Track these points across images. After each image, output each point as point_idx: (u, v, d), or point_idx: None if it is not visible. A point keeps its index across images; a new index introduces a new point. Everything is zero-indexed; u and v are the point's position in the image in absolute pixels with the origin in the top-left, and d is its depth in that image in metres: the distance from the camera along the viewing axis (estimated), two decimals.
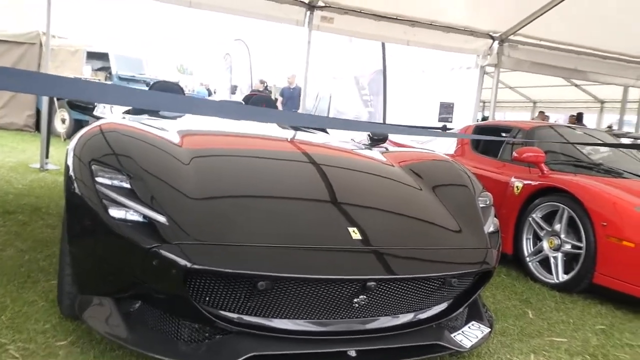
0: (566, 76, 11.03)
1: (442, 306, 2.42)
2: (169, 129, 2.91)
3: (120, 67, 10.67)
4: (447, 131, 6.81)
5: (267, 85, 13.54)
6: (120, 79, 10.41)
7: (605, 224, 3.42)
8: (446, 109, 9.78)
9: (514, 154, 4.26)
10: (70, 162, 2.27)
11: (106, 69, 10.75)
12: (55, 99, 9.14)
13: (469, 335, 2.41)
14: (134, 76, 10.72)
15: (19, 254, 3.23)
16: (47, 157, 6.56)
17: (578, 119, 13.98)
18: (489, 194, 2.86)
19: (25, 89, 1.34)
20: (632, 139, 9.73)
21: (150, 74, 11.21)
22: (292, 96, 11.77)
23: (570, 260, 3.70)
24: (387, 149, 3.75)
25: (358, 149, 3.64)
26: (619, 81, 9.77)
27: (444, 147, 5.35)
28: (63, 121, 10.23)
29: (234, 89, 17.08)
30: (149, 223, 2.03)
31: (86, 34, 12.15)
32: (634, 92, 10.26)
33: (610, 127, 13.57)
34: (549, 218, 3.87)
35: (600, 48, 8.80)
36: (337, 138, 4.04)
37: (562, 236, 3.72)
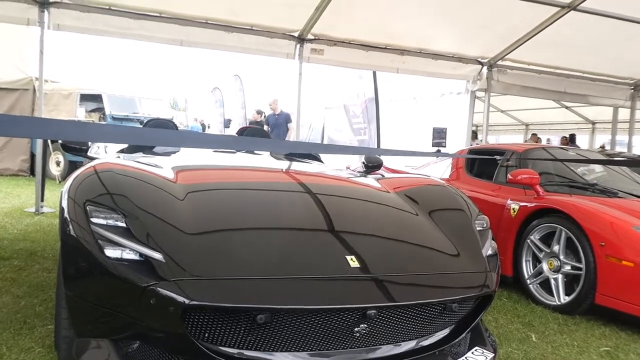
0: (556, 98, 11.18)
1: (444, 332, 2.40)
2: (163, 166, 2.91)
3: (113, 108, 10.74)
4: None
5: (264, 115, 13.21)
6: (114, 118, 10.48)
7: (603, 244, 3.41)
8: (439, 134, 9.86)
9: (509, 176, 4.28)
10: (65, 204, 2.27)
11: (100, 110, 10.82)
12: (49, 143, 9.18)
13: None
14: (127, 115, 10.78)
15: (15, 300, 3.19)
16: (42, 200, 6.54)
17: (571, 139, 14.10)
18: (485, 217, 2.86)
19: (22, 133, 1.36)
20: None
21: (144, 113, 11.28)
22: (277, 123, 11.22)
23: (571, 281, 3.68)
24: (382, 175, 3.76)
25: (353, 176, 3.66)
26: (609, 102, 9.91)
27: (439, 171, 5.37)
28: (58, 164, 10.25)
29: (227, 123, 17.20)
30: (146, 261, 2.02)
31: (79, 76, 12.24)
32: (624, 113, 10.38)
33: (602, 147, 13.69)
34: (547, 239, 3.87)
35: (588, 70, 8.96)
36: (332, 167, 4.06)
37: (561, 257, 3.71)
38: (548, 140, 16.48)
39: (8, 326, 2.76)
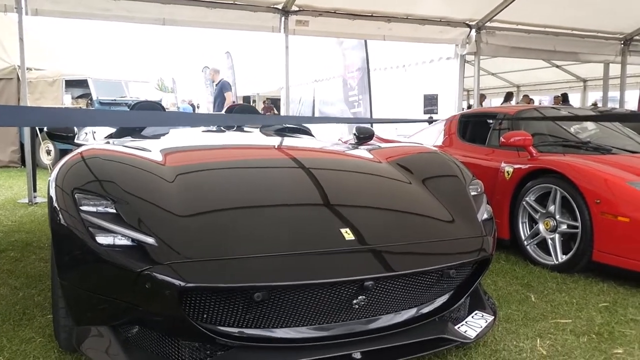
0: (546, 58, 11.10)
1: (443, 299, 2.40)
2: (151, 149, 2.87)
3: (100, 92, 10.60)
4: (433, 122, 6.81)
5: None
6: (102, 104, 10.35)
7: (598, 201, 3.41)
8: (430, 101, 9.79)
9: (502, 139, 4.25)
10: (53, 193, 2.24)
11: (87, 96, 10.68)
12: (38, 132, 9.08)
13: (473, 325, 2.39)
14: (115, 100, 10.66)
15: (13, 291, 3.18)
16: (35, 190, 6.49)
17: (563, 99, 14.04)
18: (479, 181, 2.85)
19: (9, 122, 1.32)
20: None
21: (132, 96, 11.14)
22: (217, 93, 10.19)
23: (567, 240, 3.69)
24: (374, 145, 3.73)
25: (345, 149, 3.62)
26: (599, 58, 9.84)
27: (431, 139, 5.34)
28: (48, 152, 10.15)
29: None
30: (138, 246, 2.00)
31: (64, 63, 12.02)
32: (615, 69, 10.31)
33: (595, 104, 13.64)
34: (543, 200, 3.87)
35: (577, 27, 8.85)
36: (323, 140, 4.03)
37: (557, 217, 3.71)
38: (540, 102, 16.41)
39: (7, 318, 2.75)
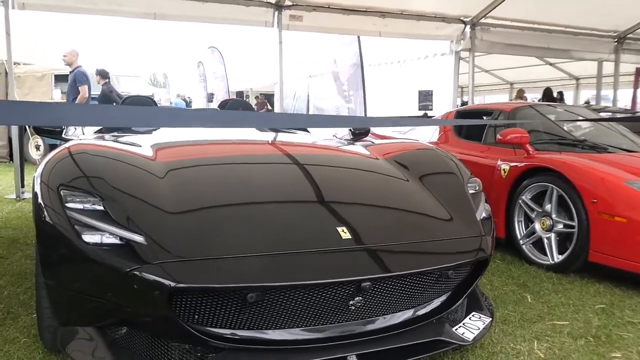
0: (539, 55, 11.09)
1: (441, 300, 2.35)
2: (141, 144, 2.79)
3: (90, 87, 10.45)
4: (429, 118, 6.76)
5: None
6: (92, 98, 10.20)
7: (595, 200, 3.37)
8: (425, 97, 9.74)
9: (498, 136, 4.21)
10: (38, 190, 2.15)
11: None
12: (26, 126, 8.93)
13: (471, 327, 2.34)
14: None
15: None
16: (22, 186, 6.37)
17: (548, 97, 13.95)
18: (477, 179, 2.79)
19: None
20: (610, 113, 9.78)
21: (123, 91, 11.00)
22: (70, 83, 7.91)
23: (563, 240, 3.65)
24: (370, 142, 3.67)
25: (341, 145, 3.56)
26: (593, 56, 9.84)
27: (427, 135, 5.29)
28: (37, 147, 10.01)
29: (210, 97, 16.91)
30: (127, 244, 1.93)
31: (53, 57, 11.86)
32: (608, 67, 10.32)
33: (588, 102, 13.67)
34: (539, 199, 3.82)
35: (571, 25, 8.84)
36: (318, 136, 3.96)
37: (554, 216, 3.67)
38: (535, 100, 16.39)
39: None
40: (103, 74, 8.92)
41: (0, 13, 5.96)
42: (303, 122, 3.43)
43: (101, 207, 2.02)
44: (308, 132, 4.26)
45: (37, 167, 2.35)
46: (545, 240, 3.72)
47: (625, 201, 3.29)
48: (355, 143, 3.56)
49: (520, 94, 12.75)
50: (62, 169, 2.21)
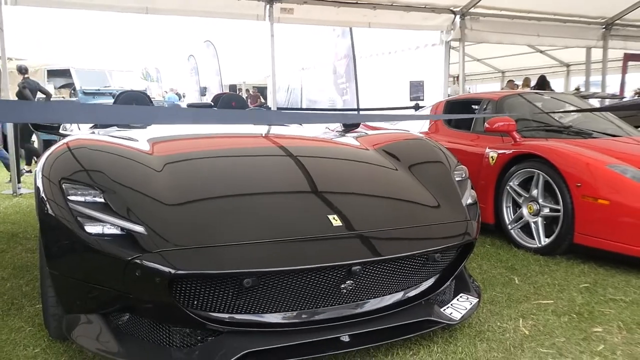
0: (529, 43, 11.17)
1: (429, 282, 2.45)
2: (138, 139, 2.88)
3: (83, 82, 10.50)
4: (420, 109, 6.85)
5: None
6: (85, 93, 10.25)
7: (579, 184, 3.48)
8: (417, 88, 9.83)
9: (486, 124, 4.31)
10: (40, 184, 2.24)
11: (69, 86, 10.56)
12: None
13: (458, 307, 2.44)
14: (98, 89, 10.56)
15: (0, 282, 3.17)
16: (19, 181, 6.44)
17: (540, 83, 14.00)
18: (464, 167, 2.89)
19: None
20: (599, 99, 9.90)
21: (115, 85, 11.04)
22: None
23: (550, 224, 3.77)
24: (362, 133, 3.76)
25: (332, 136, 3.65)
26: (581, 43, 9.94)
27: (417, 125, 5.38)
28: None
29: (203, 91, 16.94)
30: (128, 235, 2.02)
31: (46, 52, 11.88)
32: (597, 53, 10.43)
33: (577, 89, 13.76)
34: (526, 184, 3.93)
35: (560, 12, 8.93)
36: (310, 128, 4.04)
37: (540, 201, 3.78)
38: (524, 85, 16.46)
39: None
40: (21, 70, 8.98)
41: None
42: (298, 118, 3.51)
43: (102, 200, 2.11)
44: (300, 125, 4.34)
45: (38, 163, 2.43)
46: (533, 225, 3.84)
47: (607, 184, 3.41)
48: (346, 135, 3.65)
49: (511, 85, 12.84)
50: (62, 164, 2.29)
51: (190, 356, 2.01)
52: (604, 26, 9.73)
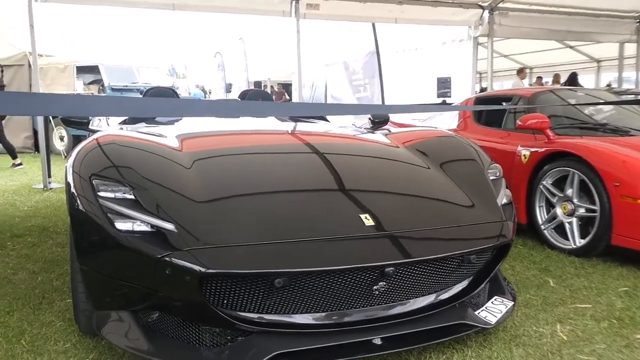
0: (560, 38, 10.93)
1: (463, 284, 2.38)
2: (167, 135, 2.86)
3: (111, 78, 10.61)
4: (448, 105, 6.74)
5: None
6: (113, 89, 10.36)
7: (617, 184, 3.36)
8: (444, 84, 9.70)
9: (518, 122, 4.19)
10: (70, 179, 2.23)
11: (98, 82, 10.70)
12: (51, 118, 9.11)
13: (493, 310, 2.37)
14: (126, 85, 10.67)
15: (32, 276, 3.21)
16: (49, 176, 6.53)
17: (571, 80, 13.71)
18: (498, 165, 2.81)
19: (22, 110, 1.31)
20: (633, 96, 9.62)
21: (143, 82, 11.14)
22: None
23: (585, 224, 3.65)
24: (389, 130, 3.69)
25: (360, 133, 3.59)
26: (614, 38, 9.69)
27: (446, 122, 5.29)
28: (61, 138, 10.21)
29: (229, 87, 17.02)
30: (158, 232, 2.00)
31: (74, 49, 12.04)
32: (630, 48, 10.13)
33: (609, 85, 13.42)
34: (560, 183, 3.82)
35: (592, 6, 8.69)
36: (338, 125, 3.99)
37: (575, 201, 3.66)
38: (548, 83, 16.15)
39: (27, 302, 2.78)
40: None
41: (24, 5, 6.08)
42: (325, 110, 3.46)
43: (132, 196, 2.09)
44: (327, 121, 4.30)
45: (68, 158, 2.43)
46: (567, 225, 3.72)
47: None
48: (375, 132, 3.58)
49: (539, 82, 12.56)
50: (93, 160, 2.29)
51: (220, 356, 1.99)
52: (638, 20, 9.44)
